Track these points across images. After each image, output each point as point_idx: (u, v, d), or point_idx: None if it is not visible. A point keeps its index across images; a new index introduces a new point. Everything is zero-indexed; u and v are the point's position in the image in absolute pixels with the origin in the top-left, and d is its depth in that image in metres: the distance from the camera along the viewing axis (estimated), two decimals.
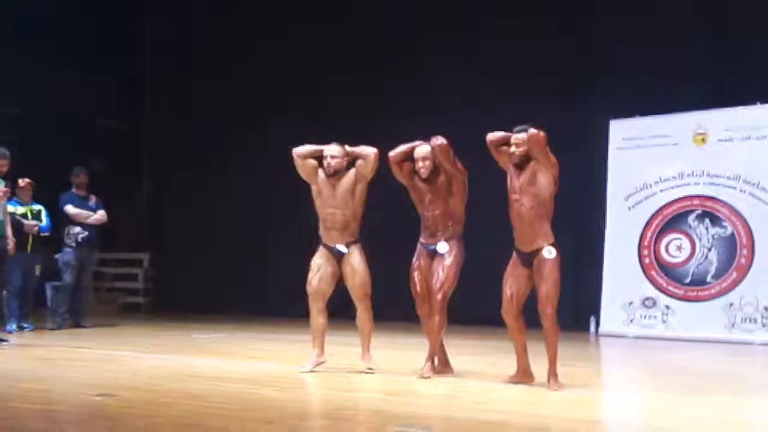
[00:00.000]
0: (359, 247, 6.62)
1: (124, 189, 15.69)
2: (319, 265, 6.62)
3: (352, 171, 6.58)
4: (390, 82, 13.29)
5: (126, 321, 12.69)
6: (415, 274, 6.52)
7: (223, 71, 14.94)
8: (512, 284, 6.07)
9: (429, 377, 6.32)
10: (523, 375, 6.18)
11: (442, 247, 6.45)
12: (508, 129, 6.14)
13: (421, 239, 6.60)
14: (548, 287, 5.90)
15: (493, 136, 6.15)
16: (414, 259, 6.60)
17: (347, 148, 6.63)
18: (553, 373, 5.94)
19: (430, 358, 6.46)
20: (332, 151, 6.58)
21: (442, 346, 6.64)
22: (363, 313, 6.57)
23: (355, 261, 6.55)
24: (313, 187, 6.67)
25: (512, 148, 6.03)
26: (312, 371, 6.57)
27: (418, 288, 6.50)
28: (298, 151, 6.69)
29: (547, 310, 5.90)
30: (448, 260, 6.42)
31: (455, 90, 12.62)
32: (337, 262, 6.59)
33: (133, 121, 16.18)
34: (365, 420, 4.79)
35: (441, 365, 6.60)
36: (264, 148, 14.09)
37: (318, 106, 13.70)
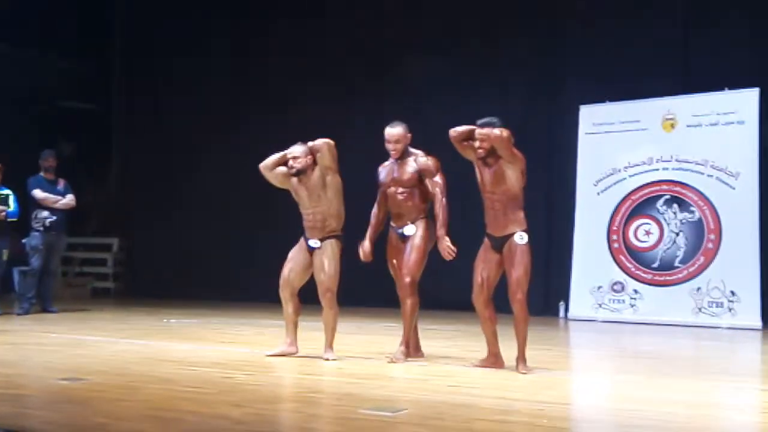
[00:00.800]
0: (333, 243, 6.59)
1: (93, 172, 15.56)
2: (293, 256, 6.70)
3: (318, 166, 6.58)
4: (359, 72, 13.28)
5: (95, 306, 12.61)
6: (393, 261, 6.62)
7: (193, 53, 14.83)
8: (483, 270, 6.09)
9: (399, 360, 6.34)
10: (493, 360, 6.21)
11: (409, 229, 6.52)
12: (481, 116, 6.13)
13: (391, 223, 6.67)
14: (519, 273, 5.93)
15: (455, 131, 6.12)
16: (387, 244, 6.68)
17: (309, 143, 6.61)
18: (522, 358, 6.00)
19: (404, 342, 6.48)
20: (293, 152, 6.58)
21: (415, 329, 6.67)
22: (325, 308, 6.58)
23: (325, 256, 6.55)
24: (292, 192, 6.70)
25: (476, 143, 6.01)
26: (276, 356, 6.60)
27: (392, 272, 6.62)
28: (264, 164, 6.70)
29: (518, 295, 5.93)
30: (415, 243, 6.47)
31: (426, 80, 12.63)
32: (310, 255, 6.62)
33: (101, 104, 16.03)
34: (335, 403, 4.81)
35: (413, 349, 6.63)
36: (235, 129, 14.06)
37: (290, 91, 13.66)
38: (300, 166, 6.55)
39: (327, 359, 6.50)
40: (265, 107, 13.73)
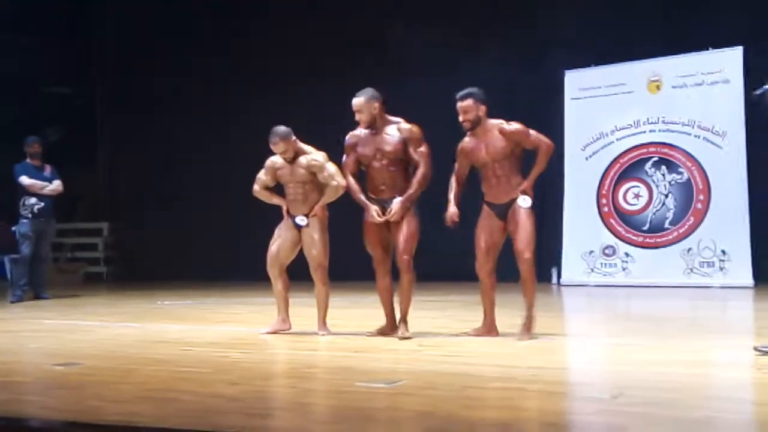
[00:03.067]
0: (321, 217, 6.60)
1: (81, 157, 15.49)
2: (279, 234, 6.68)
3: (307, 160, 6.56)
4: (342, 49, 13.25)
5: (88, 291, 12.60)
6: (372, 231, 6.35)
7: (182, 35, 14.75)
8: (487, 238, 6.05)
9: (408, 335, 6.26)
10: (489, 329, 6.21)
11: (398, 203, 6.27)
12: (467, 85, 6.09)
13: (371, 195, 6.40)
14: (526, 233, 5.91)
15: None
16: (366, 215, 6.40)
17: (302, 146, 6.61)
18: (529, 323, 5.98)
19: (404, 319, 6.33)
20: (277, 148, 6.54)
21: (393, 306, 6.51)
22: (318, 284, 6.58)
23: (314, 232, 6.55)
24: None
25: (460, 117, 6.01)
26: (270, 333, 6.61)
27: (376, 244, 6.38)
28: (256, 195, 6.80)
29: (525, 254, 5.91)
30: (408, 217, 6.27)
31: (411, 51, 12.60)
32: (298, 232, 6.61)
33: (88, 89, 15.94)
34: (330, 377, 4.82)
35: (389, 327, 6.47)
36: (224, 111, 14.01)
37: (278, 70, 13.61)
38: (289, 156, 6.55)
39: (322, 335, 6.51)
40: (256, 89, 13.67)
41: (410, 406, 3.91)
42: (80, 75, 15.77)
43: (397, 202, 6.21)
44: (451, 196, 6.24)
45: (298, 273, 6.78)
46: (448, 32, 12.47)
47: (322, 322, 6.62)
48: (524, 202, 5.97)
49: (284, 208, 6.68)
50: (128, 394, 4.36)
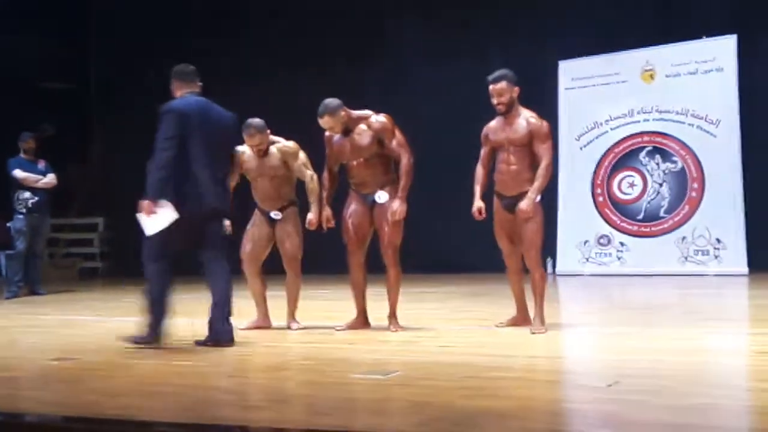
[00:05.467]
0: (294, 211, 6.56)
1: (75, 152, 15.46)
2: (253, 231, 6.60)
3: (278, 147, 6.50)
4: (338, 38, 13.23)
5: (84, 286, 12.59)
6: (349, 221, 6.26)
7: (173, 31, 14.71)
8: (507, 233, 6.05)
9: (399, 329, 6.21)
10: (522, 318, 6.23)
11: (382, 196, 6.19)
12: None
13: (353, 188, 6.33)
14: (532, 230, 5.90)
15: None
16: (346, 206, 6.33)
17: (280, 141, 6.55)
18: (539, 316, 6.01)
19: (394, 314, 6.29)
20: (252, 140, 6.43)
21: (364, 300, 6.44)
22: (291, 277, 6.54)
23: (288, 226, 6.51)
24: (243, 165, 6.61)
25: (494, 100, 5.94)
26: (250, 329, 6.54)
27: (352, 234, 6.27)
28: None
29: (531, 252, 5.95)
30: (392, 210, 6.14)
31: (405, 42, 12.60)
32: (271, 226, 6.56)
33: (82, 83, 15.90)
34: (327, 369, 4.82)
35: (359, 322, 6.40)
36: (219, 104, 13.98)
37: (270, 62, 13.60)
38: (262, 149, 6.47)
39: (294, 328, 6.46)
40: (250, 81, 13.63)
41: (407, 396, 3.92)
42: (74, 70, 15.72)
43: (395, 203, 6.11)
44: (477, 189, 6.12)
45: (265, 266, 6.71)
46: (444, 22, 12.46)
47: (292, 315, 6.57)
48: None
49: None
50: (125, 388, 4.37)
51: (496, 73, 5.96)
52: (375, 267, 6.36)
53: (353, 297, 6.43)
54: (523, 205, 5.88)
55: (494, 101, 5.96)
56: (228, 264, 5.91)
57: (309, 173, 6.50)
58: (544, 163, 5.89)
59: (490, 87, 5.94)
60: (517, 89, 5.97)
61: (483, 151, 6.17)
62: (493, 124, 6.08)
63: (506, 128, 5.98)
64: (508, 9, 12.32)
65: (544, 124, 6.00)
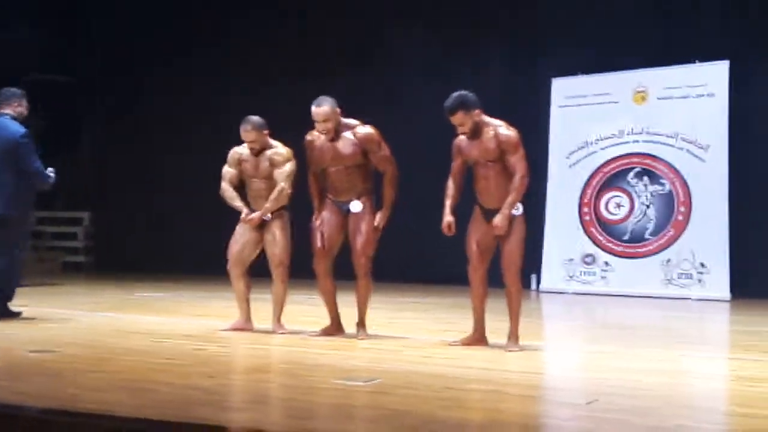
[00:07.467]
0: (283, 215, 6.53)
1: (63, 146, 15.39)
2: (242, 233, 6.58)
3: (271, 152, 6.49)
4: (336, 49, 13.27)
5: (67, 280, 12.54)
6: (320, 230, 6.24)
7: (167, 26, 14.70)
8: (479, 240, 5.84)
9: (365, 337, 6.21)
10: (479, 338, 5.97)
11: (356, 206, 6.18)
12: (454, 89, 5.95)
13: (330, 196, 6.32)
14: (513, 245, 5.73)
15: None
16: (317, 214, 6.31)
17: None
18: (514, 334, 5.81)
19: (362, 323, 6.29)
20: (248, 136, 6.44)
21: (336, 306, 6.43)
22: (277, 282, 6.51)
23: (277, 231, 6.48)
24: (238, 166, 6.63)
25: (459, 129, 5.78)
26: (231, 330, 6.54)
27: (319, 243, 6.24)
28: (222, 193, 6.67)
29: (511, 267, 5.75)
30: (366, 220, 6.15)
31: (400, 57, 12.64)
32: (259, 230, 6.54)
33: (71, 76, 15.82)
34: (307, 374, 4.82)
35: (333, 328, 6.39)
36: (206, 106, 13.97)
37: (265, 63, 13.61)
38: (256, 148, 6.47)
39: (280, 333, 6.43)
40: (242, 84, 13.63)
41: (386, 404, 3.92)
42: (65, 63, 15.64)
43: (379, 214, 6.14)
44: (448, 203, 5.95)
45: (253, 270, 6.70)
46: (438, 37, 12.50)
47: (278, 319, 6.56)
48: (516, 209, 5.75)
49: (244, 213, 6.52)
50: (105, 383, 4.35)
51: (451, 103, 5.72)
52: (348, 275, 6.33)
53: (324, 304, 6.43)
54: (497, 220, 5.71)
55: (458, 130, 5.81)
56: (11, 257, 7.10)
57: (282, 185, 6.42)
58: (517, 176, 5.72)
59: (449, 117, 5.76)
60: (477, 112, 5.73)
61: (454, 165, 5.98)
62: (465, 138, 5.88)
63: (477, 145, 5.79)
64: (503, 25, 12.38)
65: (512, 134, 5.76)
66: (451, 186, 6.00)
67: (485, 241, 5.85)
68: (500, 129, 5.77)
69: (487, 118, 5.83)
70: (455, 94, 5.77)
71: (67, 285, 11.62)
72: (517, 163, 5.74)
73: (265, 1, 14.06)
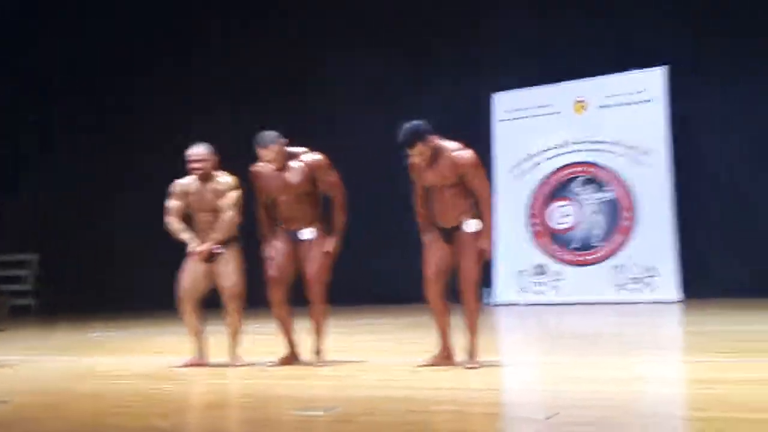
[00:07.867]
0: (233, 246, 6.43)
1: (4, 187, 15.16)
2: (191, 266, 6.43)
3: (215, 181, 6.40)
4: (274, 78, 13.27)
5: (15, 324, 12.30)
6: (272, 260, 6.20)
7: (109, 69, 14.59)
8: (438, 261, 5.79)
9: (325, 364, 6.17)
10: (446, 356, 5.93)
11: (308, 233, 6.16)
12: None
13: (283, 225, 6.28)
14: (470, 263, 5.71)
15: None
16: (270, 243, 6.28)
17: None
18: (474, 351, 5.80)
19: (319, 350, 6.25)
20: (197, 155, 6.33)
21: (293, 335, 6.37)
22: (232, 313, 6.40)
23: (228, 262, 6.37)
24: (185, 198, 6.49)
25: (416, 160, 5.71)
26: (186, 367, 6.42)
27: (273, 272, 6.20)
28: (169, 225, 6.51)
29: (471, 284, 5.74)
30: (320, 247, 6.13)
31: (339, 79, 12.67)
32: (210, 262, 6.41)
33: (11, 117, 15.62)
34: (265, 406, 4.76)
35: (291, 357, 6.35)
36: (149, 143, 13.87)
37: (206, 92, 13.56)
38: (205, 169, 6.36)
39: (237, 365, 6.33)
40: (185, 116, 13.55)
41: None
42: (7, 100, 15.43)
43: (330, 241, 6.12)
44: (428, 225, 5.88)
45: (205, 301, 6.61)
46: (377, 56, 12.55)
47: (234, 352, 6.47)
48: (470, 227, 5.73)
49: (192, 245, 6.38)
50: (59, 430, 4.26)
51: (407, 137, 5.63)
52: (302, 302, 6.29)
53: (281, 333, 6.37)
54: (484, 245, 5.70)
55: (416, 160, 5.74)
56: None
57: (230, 212, 6.33)
58: (483, 198, 5.72)
59: (407, 150, 5.69)
60: (433, 138, 5.70)
61: (417, 190, 5.92)
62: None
63: (434, 170, 5.74)
64: (441, 42, 12.47)
65: (467, 156, 5.72)
66: (422, 212, 5.93)
67: (445, 261, 5.82)
68: (455, 153, 5.72)
69: (441, 142, 5.77)
70: (407, 126, 5.70)
71: (16, 329, 11.40)
72: (480, 182, 5.74)
73: (217, 29, 14.02)
